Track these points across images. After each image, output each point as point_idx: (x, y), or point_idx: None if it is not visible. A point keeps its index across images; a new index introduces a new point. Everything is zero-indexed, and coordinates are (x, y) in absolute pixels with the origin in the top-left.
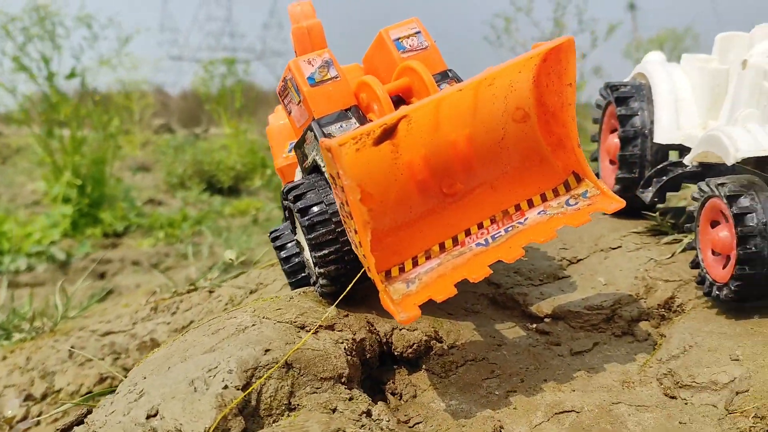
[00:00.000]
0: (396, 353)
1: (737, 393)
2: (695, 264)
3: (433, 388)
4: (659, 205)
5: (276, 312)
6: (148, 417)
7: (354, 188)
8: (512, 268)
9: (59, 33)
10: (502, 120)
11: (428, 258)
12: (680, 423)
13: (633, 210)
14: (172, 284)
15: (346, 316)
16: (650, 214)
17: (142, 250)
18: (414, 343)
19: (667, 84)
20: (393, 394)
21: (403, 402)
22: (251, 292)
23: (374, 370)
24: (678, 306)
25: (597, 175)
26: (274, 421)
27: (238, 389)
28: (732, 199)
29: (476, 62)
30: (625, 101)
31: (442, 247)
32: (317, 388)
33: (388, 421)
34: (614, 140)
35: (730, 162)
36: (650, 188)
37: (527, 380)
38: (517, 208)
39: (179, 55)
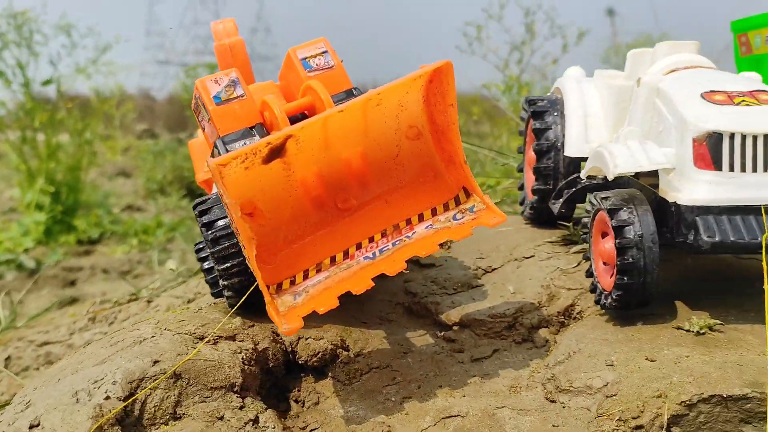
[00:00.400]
0: (301, 362)
1: (607, 397)
2: (589, 273)
3: (335, 395)
4: (575, 215)
5: (178, 323)
6: (31, 427)
7: (235, 206)
8: (430, 277)
9: (37, 40)
10: (396, 137)
11: (318, 271)
12: (553, 426)
13: (550, 220)
14: (136, 292)
15: (252, 326)
16: (564, 224)
17: (115, 257)
18: (319, 352)
19: (577, 99)
20: (296, 401)
21: (304, 409)
22: (189, 302)
23: (281, 379)
24: (577, 313)
25: (521, 186)
26: (156, 431)
27: (119, 400)
28: (612, 212)
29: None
30: (541, 115)
31: (333, 260)
32: (206, 398)
33: (274, 428)
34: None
35: (610, 177)
36: (560, 200)
37: (424, 386)
38: (408, 222)
39: (166, 59)
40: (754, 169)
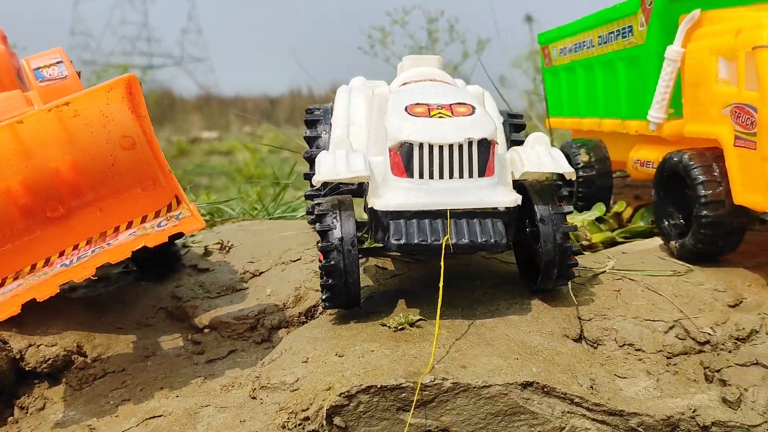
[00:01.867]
0: (29, 368)
1: (292, 391)
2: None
3: (63, 400)
4: None
5: None
6: None
7: None
8: (199, 282)
9: None
10: (109, 147)
11: (15, 279)
12: (241, 421)
13: None
14: None
15: None
16: None
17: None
18: (50, 358)
19: (344, 109)
20: (21, 408)
21: (27, 415)
22: None
23: (9, 386)
24: (319, 314)
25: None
26: None
27: None
28: (319, 217)
29: (354, 71)
30: (314, 124)
31: (33, 268)
32: None
33: None
34: None
35: (315, 184)
36: None
37: (147, 389)
38: (116, 230)
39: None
40: (441, 176)
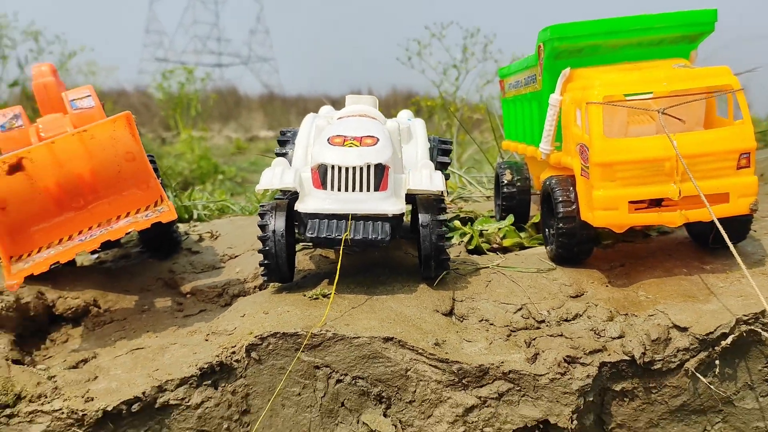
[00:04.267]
0: (58, 313)
1: (228, 335)
2: None
3: (80, 336)
4: None
5: None
6: None
7: None
8: (189, 261)
9: (6, 44)
10: (117, 160)
11: (48, 247)
12: (194, 353)
13: None
14: None
15: (23, 286)
16: None
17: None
18: (73, 307)
19: (306, 132)
20: (51, 340)
21: (55, 345)
22: None
23: (44, 325)
24: (266, 287)
25: None
26: None
27: None
28: (260, 216)
29: (392, 80)
30: (284, 144)
31: (60, 241)
32: None
33: (4, 348)
34: None
35: (257, 191)
36: None
37: (138, 330)
38: (118, 217)
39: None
40: (347, 189)
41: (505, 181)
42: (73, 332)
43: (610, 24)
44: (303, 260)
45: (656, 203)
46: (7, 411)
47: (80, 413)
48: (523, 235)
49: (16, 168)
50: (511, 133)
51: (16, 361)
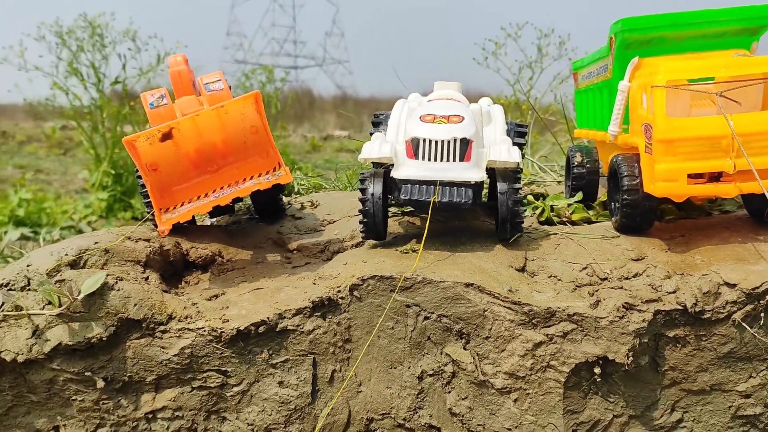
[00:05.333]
0: (191, 260)
1: (333, 278)
2: None
3: (208, 280)
4: None
5: (119, 230)
6: (28, 265)
7: (143, 165)
8: (294, 225)
9: (107, 44)
10: (243, 132)
11: (189, 201)
12: (305, 292)
13: None
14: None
15: (166, 237)
16: None
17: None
18: (203, 256)
19: (397, 115)
20: (185, 282)
21: (188, 285)
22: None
23: (180, 269)
24: (362, 245)
25: None
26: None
27: (72, 255)
28: (361, 182)
29: (464, 81)
30: (377, 125)
31: (198, 197)
32: (122, 264)
33: (155, 282)
34: None
35: (360, 161)
36: None
37: (256, 276)
38: (244, 179)
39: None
40: (435, 159)
41: (575, 163)
42: (203, 276)
43: (675, 17)
44: (392, 225)
45: (715, 178)
46: (162, 327)
47: (218, 331)
48: (591, 212)
49: (167, 136)
50: (583, 122)
51: (165, 291)
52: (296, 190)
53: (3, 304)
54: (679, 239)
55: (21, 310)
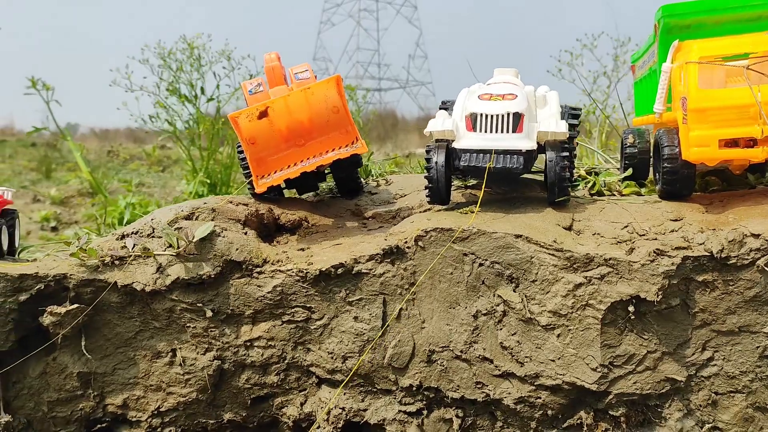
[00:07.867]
0: (281, 224)
1: (401, 233)
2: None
3: (296, 240)
4: None
5: (224, 195)
6: (152, 219)
7: (244, 139)
8: (370, 198)
9: (203, 64)
10: (327, 112)
11: (281, 170)
12: (378, 245)
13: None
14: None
15: (259, 204)
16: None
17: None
18: (292, 221)
19: (461, 101)
20: (277, 242)
21: (279, 244)
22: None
23: (273, 231)
24: (428, 210)
25: None
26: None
27: (186, 212)
28: (427, 152)
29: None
30: (446, 110)
31: (288, 166)
32: (226, 221)
33: (251, 236)
34: None
35: (425, 133)
36: None
37: (336, 237)
38: (327, 151)
39: None
40: (491, 131)
41: (628, 144)
42: (291, 238)
43: (713, 2)
44: (456, 196)
45: (750, 145)
46: (257, 269)
47: (304, 272)
48: (643, 190)
49: (263, 114)
50: (640, 110)
51: (260, 242)
52: (372, 174)
53: (134, 246)
54: (717, 204)
55: (148, 251)
